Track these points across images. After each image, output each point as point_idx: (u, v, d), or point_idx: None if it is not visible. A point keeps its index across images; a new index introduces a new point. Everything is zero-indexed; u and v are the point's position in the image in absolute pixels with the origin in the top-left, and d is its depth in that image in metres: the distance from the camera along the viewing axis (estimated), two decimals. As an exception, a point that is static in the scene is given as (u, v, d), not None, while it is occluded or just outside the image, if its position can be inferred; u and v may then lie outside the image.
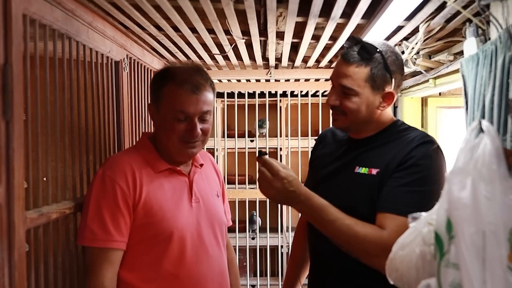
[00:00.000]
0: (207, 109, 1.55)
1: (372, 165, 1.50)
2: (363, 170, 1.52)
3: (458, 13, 1.62)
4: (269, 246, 3.90)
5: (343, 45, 2.26)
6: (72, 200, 1.62)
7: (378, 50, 1.46)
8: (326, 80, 3.50)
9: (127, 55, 2.18)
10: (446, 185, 1.05)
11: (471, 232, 0.98)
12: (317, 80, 3.58)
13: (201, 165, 1.71)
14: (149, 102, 1.67)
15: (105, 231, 1.47)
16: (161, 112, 1.56)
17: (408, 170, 1.43)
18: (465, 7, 1.53)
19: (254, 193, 3.80)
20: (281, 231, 3.96)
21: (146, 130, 2.56)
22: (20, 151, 1.27)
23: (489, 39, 1.50)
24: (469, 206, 1.00)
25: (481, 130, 1.09)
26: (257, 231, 3.91)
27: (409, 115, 2.95)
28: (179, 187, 1.61)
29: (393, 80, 1.49)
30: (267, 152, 1.47)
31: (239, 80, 3.65)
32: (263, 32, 2.13)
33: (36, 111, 1.41)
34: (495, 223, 0.98)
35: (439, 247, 1.06)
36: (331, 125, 3.65)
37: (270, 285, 3.81)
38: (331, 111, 1.60)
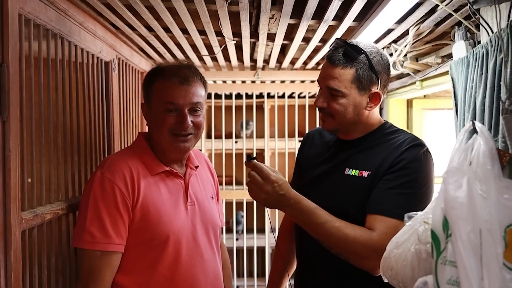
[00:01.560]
0: (197, 101, 1.56)
1: (363, 168, 1.52)
2: (354, 172, 1.53)
3: (447, 17, 1.65)
4: (256, 246, 3.91)
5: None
6: (65, 201, 1.61)
7: (362, 51, 1.48)
8: (312, 81, 3.53)
9: (116, 56, 2.17)
10: (442, 185, 1.07)
11: (467, 230, 1.00)
12: (302, 82, 3.60)
13: (196, 167, 1.71)
14: (141, 102, 1.68)
15: (105, 234, 1.45)
16: (152, 108, 1.57)
17: (398, 172, 1.45)
18: (456, 11, 1.56)
19: (241, 194, 3.81)
20: (274, 231, 3.98)
21: (135, 131, 2.55)
22: (16, 151, 1.26)
23: (479, 42, 1.53)
24: (465, 205, 1.02)
25: (474, 131, 1.12)
26: (244, 231, 3.92)
27: (395, 117, 2.98)
28: (175, 190, 1.61)
29: (379, 80, 1.50)
30: (255, 155, 1.47)
31: (224, 82, 3.65)
32: (253, 33, 2.14)
33: (30, 111, 1.40)
34: (491, 221, 1.01)
35: (436, 245, 1.08)
36: (317, 126, 3.67)
37: (257, 286, 3.82)
38: (318, 113, 1.61)
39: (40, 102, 1.47)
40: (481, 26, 1.45)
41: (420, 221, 1.20)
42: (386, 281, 1.28)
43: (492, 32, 1.36)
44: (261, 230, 4.06)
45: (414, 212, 1.24)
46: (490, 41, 1.33)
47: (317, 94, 1.58)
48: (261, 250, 4.19)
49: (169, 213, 1.55)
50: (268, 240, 3.98)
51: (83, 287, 1.46)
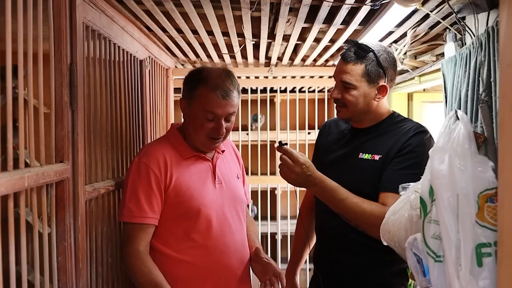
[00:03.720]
0: (232, 111, 1.80)
1: (375, 152, 1.75)
2: (367, 156, 1.77)
3: (439, 22, 1.91)
4: (270, 233, 4.18)
5: (341, 46, 2.56)
6: (112, 179, 1.90)
7: (371, 49, 1.72)
8: (321, 77, 3.79)
9: (148, 55, 2.44)
10: (429, 160, 1.34)
11: (448, 195, 1.25)
12: (312, 77, 3.86)
13: (223, 151, 1.96)
14: (180, 98, 1.88)
15: (140, 209, 1.73)
16: (192, 109, 1.79)
17: (406, 155, 1.69)
18: (446, 17, 1.82)
19: (256, 181, 4.07)
20: (298, 218, 4.21)
21: (161, 121, 2.83)
22: (82, 135, 1.55)
23: (465, 44, 1.79)
24: (446, 176, 1.27)
25: (456, 118, 1.38)
26: (259, 219, 4.17)
27: (397, 109, 3.14)
28: (204, 170, 1.86)
29: (386, 75, 1.75)
30: (287, 142, 1.71)
31: (239, 77, 3.92)
32: (270, 35, 2.41)
33: (89, 103, 1.68)
34: (466, 188, 1.25)
35: (424, 208, 1.34)
36: (326, 119, 3.91)
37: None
38: (326, 107, 1.86)
39: (94, 96, 1.75)
40: (466, 30, 1.71)
41: (412, 191, 1.46)
42: (385, 244, 1.54)
43: (474, 35, 1.62)
44: (273, 218, 4.33)
45: (406, 184, 1.50)
46: (472, 43, 1.59)
47: (329, 88, 1.84)
48: (273, 236, 4.45)
49: (199, 189, 1.81)
50: (280, 227, 4.25)
51: (122, 251, 1.76)
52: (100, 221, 1.77)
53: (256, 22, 2.15)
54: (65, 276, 1.47)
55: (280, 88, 4.14)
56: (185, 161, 1.83)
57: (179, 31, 2.33)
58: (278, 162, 1.71)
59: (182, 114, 1.89)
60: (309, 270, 3.93)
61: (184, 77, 1.88)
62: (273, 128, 4.31)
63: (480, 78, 1.50)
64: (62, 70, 1.46)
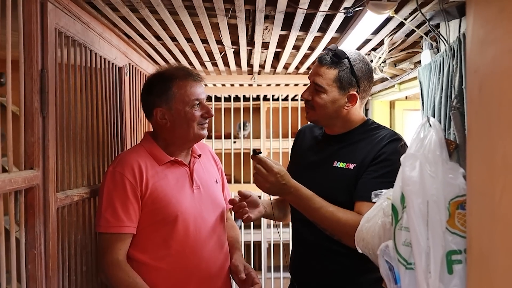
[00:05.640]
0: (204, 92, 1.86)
1: (349, 160, 1.75)
2: (341, 164, 1.76)
3: (415, 29, 1.93)
4: (253, 241, 4.16)
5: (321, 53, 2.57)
6: (87, 187, 1.87)
7: (346, 56, 1.72)
8: (305, 85, 3.79)
9: (128, 62, 2.43)
10: (401, 167, 1.33)
11: (418, 202, 1.25)
12: (296, 85, 3.87)
13: (199, 155, 1.95)
14: (154, 109, 1.83)
15: (117, 219, 1.71)
16: (176, 108, 1.79)
17: (380, 164, 1.69)
18: (421, 24, 1.84)
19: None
20: (277, 226, 4.21)
21: (142, 129, 2.81)
22: (53, 142, 1.53)
23: (440, 51, 1.80)
24: (417, 182, 1.27)
25: (429, 125, 1.38)
26: (242, 227, 4.15)
27: (379, 117, 3.22)
28: (181, 176, 1.85)
29: (358, 84, 1.74)
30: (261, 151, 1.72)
31: (223, 85, 3.92)
32: (249, 42, 2.41)
33: (62, 109, 1.66)
34: (437, 195, 1.25)
35: (395, 215, 1.33)
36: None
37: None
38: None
39: (69, 102, 1.73)
40: (439, 38, 1.72)
41: (384, 198, 1.46)
42: (360, 251, 1.53)
43: (448, 43, 1.63)
44: (257, 226, 4.31)
45: (379, 191, 1.49)
46: (445, 50, 1.60)
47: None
48: (258, 244, 4.43)
49: (177, 195, 1.79)
50: (264, 235, 4.24)
51: (99, 262, 1.73)
52: (73, 229, 1.74)
53: (234, 29, 2.15)
54: (35, 284, 1.44)
55: (264, 96, 4.14)
56: (161, 167, 1.82)
57: (158, 38, 2.32)
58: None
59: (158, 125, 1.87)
60: (283, 278, 3.92)
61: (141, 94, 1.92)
62: (256, 136, 4.30)
63: (452, 85, 1.51)
64: (32, 76, 1.44)
